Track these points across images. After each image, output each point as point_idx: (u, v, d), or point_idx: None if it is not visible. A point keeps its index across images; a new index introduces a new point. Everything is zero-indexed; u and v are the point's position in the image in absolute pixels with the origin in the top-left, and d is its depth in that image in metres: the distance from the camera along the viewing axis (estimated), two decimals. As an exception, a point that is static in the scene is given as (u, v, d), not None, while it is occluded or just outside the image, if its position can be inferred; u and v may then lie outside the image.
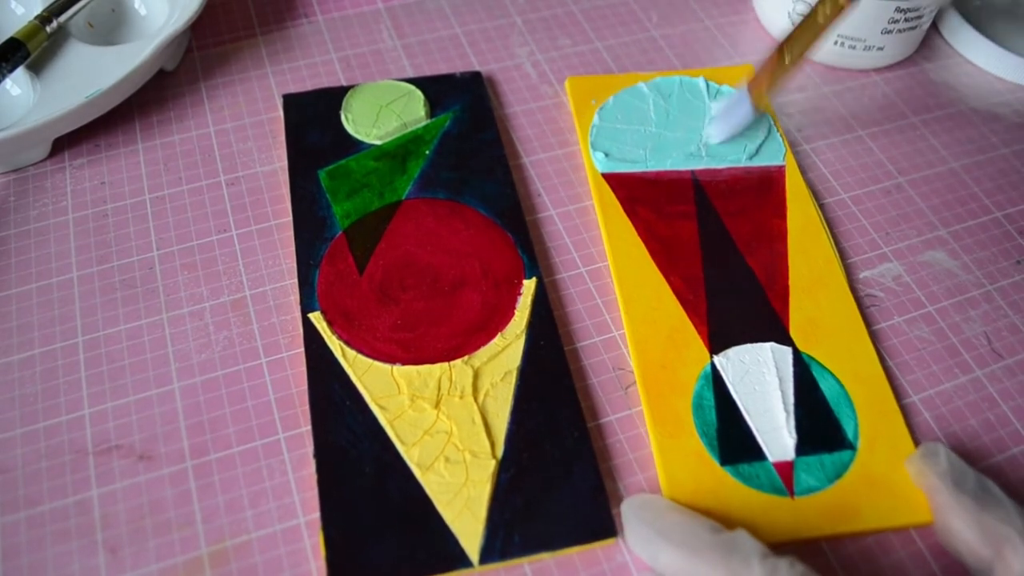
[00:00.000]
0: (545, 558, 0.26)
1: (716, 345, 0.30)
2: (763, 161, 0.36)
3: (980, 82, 0.41)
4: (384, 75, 0.39)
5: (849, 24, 0.39)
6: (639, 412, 0.29)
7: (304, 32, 0.41)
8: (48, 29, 0.36)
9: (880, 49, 0.40)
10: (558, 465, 0.27)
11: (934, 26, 0.43)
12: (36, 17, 0.36)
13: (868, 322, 0.31)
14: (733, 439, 0.28)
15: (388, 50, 0.40)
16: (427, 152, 0.35)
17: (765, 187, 0.35)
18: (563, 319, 0.31)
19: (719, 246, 0.33)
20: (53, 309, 0.31)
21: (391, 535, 0.26)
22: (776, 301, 0.31)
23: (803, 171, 0.36)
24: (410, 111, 0.37)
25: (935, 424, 0.29)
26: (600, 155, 0.35)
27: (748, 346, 0.30)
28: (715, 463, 0.27)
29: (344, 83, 0.39)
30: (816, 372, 0.29)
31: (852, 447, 0.28)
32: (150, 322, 0.30)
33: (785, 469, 0.27)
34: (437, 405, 0.28)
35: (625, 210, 0.34)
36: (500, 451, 0.27)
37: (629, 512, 0.26)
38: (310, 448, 0.28)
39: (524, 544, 0.26)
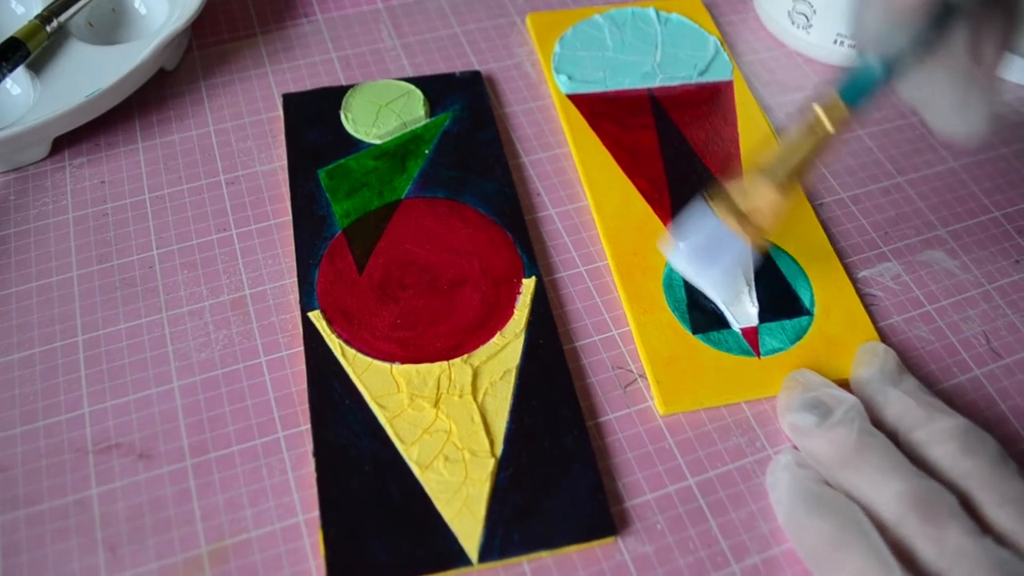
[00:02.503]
0: (544, 556, 0.26)
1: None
2: (712, 77, 0.39)
3: (979, 82, 0.41)
4: (384, 74, 0.39)
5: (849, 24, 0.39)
6: (638, 410, 0.29)
7: (304, 31, 0.41)
8: (48, 28, 0.36)
9: (879, 49, 0.40)
10: (557, 464, 0.27)
11: (933, 26, 0.43)
12: (36, 16, 0.36)
13: (871, 319, 0.31)
14: (702, 311, 0.31)
15: (388, 49, 0.40)
16: (426, 151, 0.36)
17: (716, 99, 0.38)
18: (562, 318, 0.31)
19: (678, 151, 0.36)
20: (53, 308, 0.31)
21: (390, 533, 0.26)
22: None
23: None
24: (410, 110, 0.37)
25: (934, 423, 0.29)
26: (563, 78, 0.39)
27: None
28: (687, 332, 0.30)
29: (344, 82, 0.39)
30: (772, 252, 0.33)
31: (809, 313, 0.31)
32: (150, 321, 0.30)
33: (751, 334, 0.30)
34: (436, 404, 0.28)
35: (590, 125, 0.37)
36: (499, 450, 0.27)
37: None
38: (309, 446, 0.28)
39: (523, 543, 0.26)
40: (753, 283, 0.32)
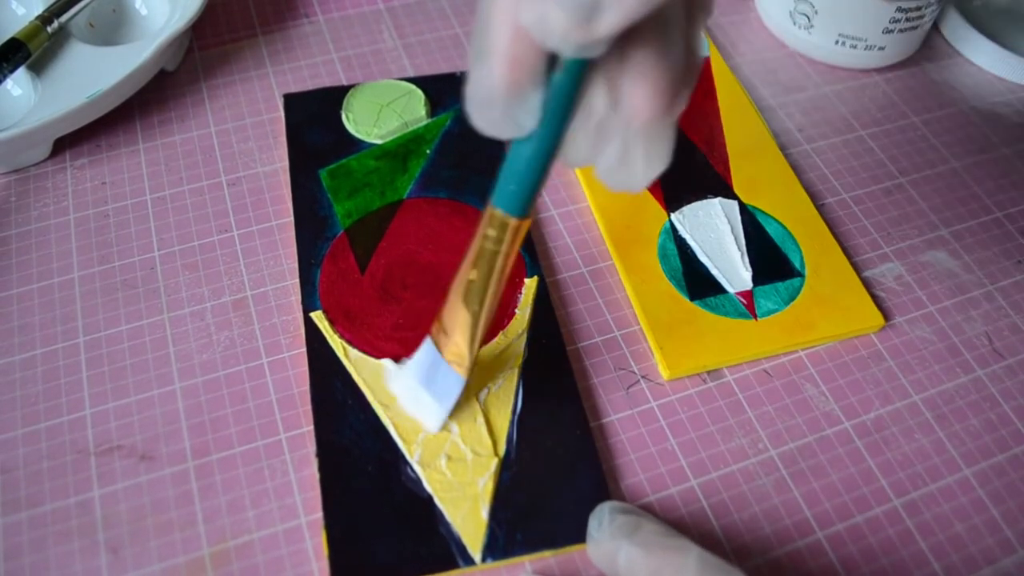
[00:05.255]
0: (547, 556, 0.26)
1: (672, 205, 0.35)
2: None
3: (981, 82, 0.41)
4: (385, 74, 0.39)
5: (850, 23, 0.39)
6: (641, 412, 0.29)
7: (305, 32, 0.41)
8: (49, 29, 0.36)
9: (881, 49, 0.40)
10: (560, 464, 0.27)
11: (935, 26, 0.43)
12: (37, 17, 0.36)
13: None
14: (698, 278, 0.32)
15: (389, 50, 0.40)
16: (428, 151, 0.35)
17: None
18: (565, 319, 0.31)
19: None
20: (55, 309, 0.31)
21: (393, 533, 0.26)
22: (718, 166, 0.36)
23: (804, 171, 0.36)
24: (411, 110, 0.37)
25: (936, 424, 0.29)
26: None
27: (699, 203, 0.35)
28: (685, 299, 0.31)
29: (345, 83, 0.39)
30: (761, 218, 0.34)
31: (801, 274, 0.32)
32: (151, 322, 0.30)
33: (747, 297, 0.32)
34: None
35: None
36: (502, 449, 0.27)
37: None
38: (312, 448, 0.28)
39: (526, 542, 0.26)
40: (745, 249, 0.33)
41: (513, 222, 0.23)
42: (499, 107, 0.21)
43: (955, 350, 0.31)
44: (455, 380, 0.27)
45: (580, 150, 0.23)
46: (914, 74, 0.41)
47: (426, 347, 0.27)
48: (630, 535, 0.24)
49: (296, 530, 0.26)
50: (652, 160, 0.22)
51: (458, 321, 0.26)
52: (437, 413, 0.27)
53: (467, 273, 0.25)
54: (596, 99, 0.21)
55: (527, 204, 0.23)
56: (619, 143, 0.22)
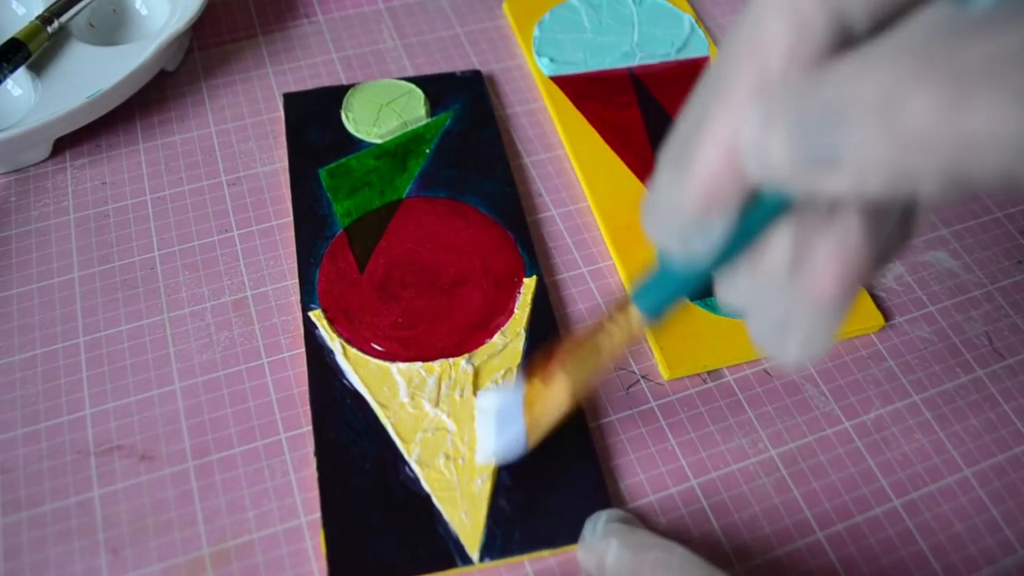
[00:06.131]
0: (546, 555, 0.26)
1: None
2: (690, 54, 0.40)
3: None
4: (385, 74, 0.39)
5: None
6: (641, 412, 0.29)
7: (305, 32, 0.41)
8: (49, 29, 0.36)
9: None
10: (559, 463, 0.27)
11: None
12: (37, 17, 0.36)
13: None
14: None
15: (389, 50, 0.40)
16: (427, 151, 0.35)
17: (695, 75, 0.37)
18: (564, 319, 0.31)
19: (662, 127, 0.37)
20: (55, 309, 0.31)
21: (392, 532, 0.26)
22: None
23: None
24: (411, 110, 0.37)
25: (936, 424, 0.29)
26: (545, 60, 0.39)
27: None
28: (686, 299, 0.30)
29: (345, 82, 0.39)
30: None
31: None
32: (151, 322, 0.30)
33: None
34: (437, 403, 0.28)
35: (575, 105, 0.38)
36: (501, 450, 0.27)
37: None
38: (311, 448, 0.28)
39: (524, 542, 0.26)
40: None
41: (641, 323, 0.22)
42: (679, 223, 0.18)
43: (955, 350, 0.31)
44: (519, 441, 0.26)
45: (736, 295, 0.20)
46: (915, 73, 0.41)
47: (516, 391, 0.26)
48: (620, 535, 0.24)
49: (296, 530, 0.26)
50: (812, 340, 0.19)
51: (556, 399, 0.25)
52: (489, 451, 0.26)
53: (585, 346, 0.24)
54: (777, 249, 0.18)
55: (663, 314, 0.22)
56: (781, 308, 0.19)
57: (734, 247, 0.19)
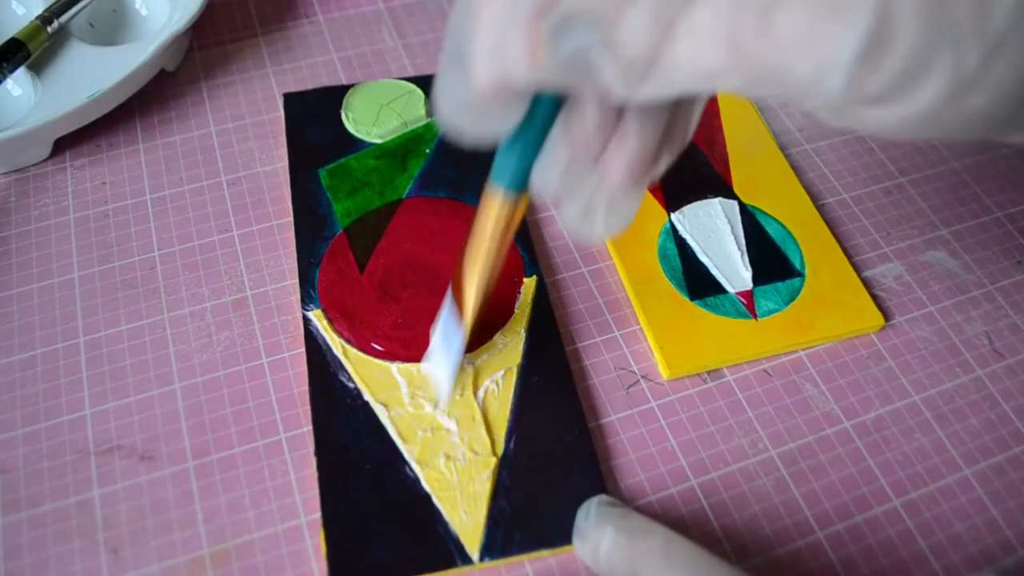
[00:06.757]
0: (545, 555, 0.26)
1: (672, 205, 0.35)
2: None
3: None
4: (385, 74, 0.39)
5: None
6: (641, 412, 0.29)
7: (305, 32, 0.41)
8: (49, 29, 0.36)
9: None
10: (559, 463, 0.27)
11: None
12: (37, 17, 0.36)
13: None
14: (698, 278, 0.32)
15: (389, 50, 0.40)
16: (427, 151, 0.35)
17: None
18: (564, 319, 0.31)
19: None
20: (55, 309, 0.31)
21: (391, 532, 0.26)
22: (718, 166, 0.36)
23: (804, 171, 0.36)
24: (411, 110, 0.37)
25: (936, 423, 0.29)
26: None
27: (699, 203, 0.35)
28: (685, 299, 0.31)
29: (345, 82, 0.39)
30: (761, 218, 0.34)
31: (800, 274, 0.32)
32: (151, 322, 0.30)
33: (747, 297, 0.32)
34: (437, 403, 0.28)
35: None
36: (500, 449, 0.27)
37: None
38: (312, 448, 0.28)
39: (525, 542, 0.26)
40: (745, 249, 0.33)
41: (507, 200, 0.24)
42: (469, 116, 0.21)
43: (955, 350, 0.31)
44: (456, 331, 0.27)
45: (551, 187, 0.23)
46: (914, 73, 0.41)
47: (446, 302, 0.27)
48: (615, 520, 0.25)
49: (296, 530, 0.26)
50: (612, 220, 0.23)
51: (465, 277, 0.26)
52: (445, 364, 0.28)
53: (474, 243, 0.26)
54: (579, 144, 0.21)
55: (523, 182, 0.24)
56: (587, 195, 0.23)
57: (532, 120, 0.21)
